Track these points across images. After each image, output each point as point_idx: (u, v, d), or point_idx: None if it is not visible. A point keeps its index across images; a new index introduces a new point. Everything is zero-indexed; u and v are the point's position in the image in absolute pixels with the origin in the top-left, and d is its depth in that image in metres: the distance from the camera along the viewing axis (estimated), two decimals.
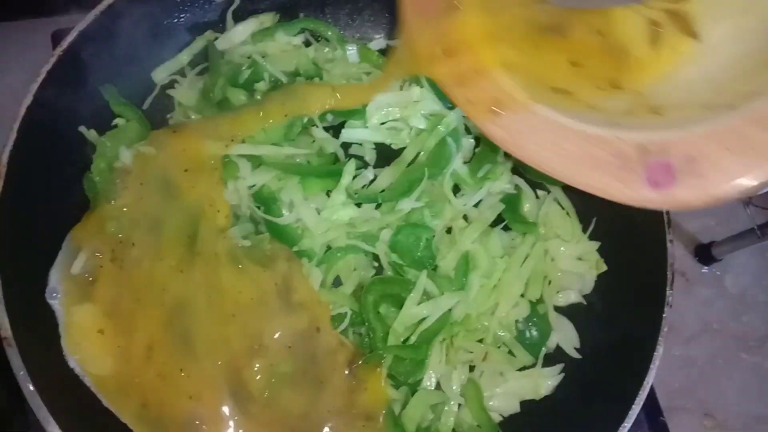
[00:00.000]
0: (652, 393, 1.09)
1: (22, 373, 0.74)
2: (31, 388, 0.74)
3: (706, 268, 1.24)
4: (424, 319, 0.94)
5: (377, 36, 1.17)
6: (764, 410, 1.16)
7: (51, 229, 0.89)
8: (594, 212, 1.05)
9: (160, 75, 1.05)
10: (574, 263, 1.04)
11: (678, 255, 1.16)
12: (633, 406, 0.87)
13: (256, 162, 0.99)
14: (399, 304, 0.95)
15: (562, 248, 1.04)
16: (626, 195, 0.73)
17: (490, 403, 0.96)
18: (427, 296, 0.96)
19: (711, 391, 1.16)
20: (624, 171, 0.72)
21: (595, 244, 1.04)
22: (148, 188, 0.94)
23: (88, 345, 0.85)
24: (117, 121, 0.98)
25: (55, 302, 0.86)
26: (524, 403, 0.96)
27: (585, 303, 1.02)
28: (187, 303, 0.89)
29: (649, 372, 0.88)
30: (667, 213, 0.97)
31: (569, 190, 1.08)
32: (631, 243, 1.00)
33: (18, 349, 0.75)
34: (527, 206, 1.07)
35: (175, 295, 0.90)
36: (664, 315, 0.92)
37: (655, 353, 0.89)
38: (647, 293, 0.94)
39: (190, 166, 0.96)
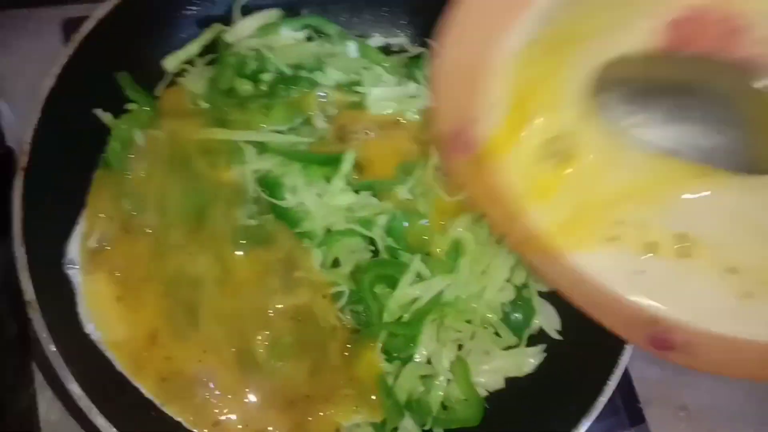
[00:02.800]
0: (628, 381, 1.15)
1: (45, 335, 0.79)
2: (53, 348, 0.79)
3: None
4: (417, 299, 1.01)
5: (375, 34, 1.23)
6: (737, 403, 1.21)
7: (70, 203, 0.94)
8: None
9: (171, 63, 1.10)
10: None
11: None
12: (608, 383, 0.93)
13: (261, 148, 1.04)
14: (393, 284, 1.01)
15: None
16: (626, 337, 0.88)
17: (477, 379, 1.02)
18: (420, 278, 1.02)
19: (686, 385, 1.20)
20: (630, 326, 0.86)
21: None
22: (158, 168, 1.00)
23: (103, 312, 0.91)
24: (130, 105, 1.03)
25: (73, 272, 0.91)
26: (508, 380, 1.03)
27: None
28: (194, 276, 0.95)
29: (624, 351, 0.95)
30: None
31: None
32: None
33: (41, 313, 0.80)
34: None
35: (183, 268, 0.95)
36: None
37: None
38: None
39: (199, 149, 1.01)
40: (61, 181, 0.93)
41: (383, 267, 1.03)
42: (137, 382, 0.89)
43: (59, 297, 0.88)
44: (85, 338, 0.89)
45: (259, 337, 0.93)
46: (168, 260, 0.95)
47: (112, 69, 1.02)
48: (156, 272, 0.94)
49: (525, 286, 1.08)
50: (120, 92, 1.03)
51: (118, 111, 1.02)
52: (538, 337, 1.06)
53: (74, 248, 0.93)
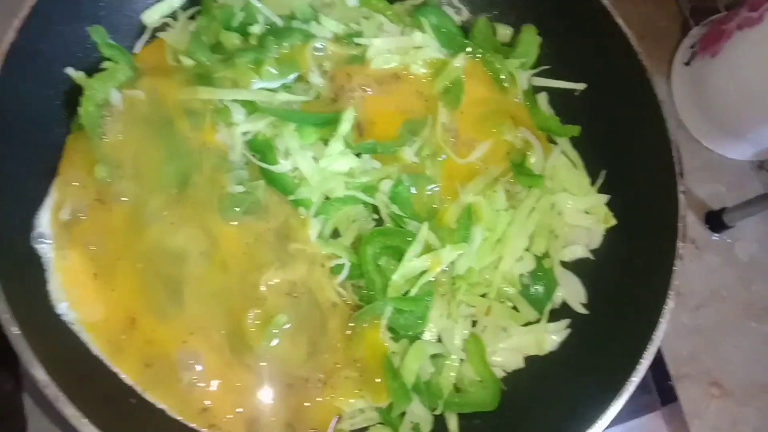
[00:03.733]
0: (659, 358, 1.05)
1: (7, 316, 0.71)
2: (16, 331, 0.71)
3: (717, 235, 1.19)
4: (425, 271, 0.91)
5: None
6: None
7: (39, 172, 0.85)
8: (603, 165, 1.02)
9: (151, 17, 1.00)
10: (581, 217, 1.00)
11: (688, 222, 1.12)
12: (641, 361, 0.84)
13: (251, 108, 0.95)
14: (399, 256, 0.91)
15: (569, 202, 1.00)
16: None
17: (493, 358, 0.93)
18: (428, 248, 0.92)
19: (718, 359, 1.12)
20: None
21: (604, 197, 1.00)
22: (136, 131, 0.91)
23: (78, 291, 0.83)
24: (106, 64, 0.94)
25: (43, 247, 0.82)
26: (528, 359, 0.93)
27: (593, 258, 0.99)
28: (177, 249, 0.86)
29: (658, 325, 0.86)
30: (679, 163, 0.94)
31: (577, 143, 1.04)
32: (641, 195, 0.97)
33: (3, 292, 0.71)
34: (533, 159, 1.02)
35: (164, 240, 0.86)
36: (674, 268, 0.88)
37: (665, 307, 0.86)
38: (658, 246, 0.91)
39: (181, 110, 0.92)
40: (29, 148, 0.84)
41: (388, 237, 0.93)
42: (115, 367, 0.81)
43: (27, 274, 0.80)
44: (56, 319, 0.80)
45: (251, 315, 0.84)
46: (148, 232, 0.86)
47: (85, 23, 0.92)
48: (135, 246, 0.85)
49: (546, 255, 0.98)
50: (93, 51, 0.93)
51: (92, 70, 0.93)
52: (560, 312, 0.96)
53: (44, 221, 0.84)
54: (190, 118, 0.92)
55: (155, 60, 0.98)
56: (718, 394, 1.10)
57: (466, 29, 1.10)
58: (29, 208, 0.84)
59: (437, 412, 0.88)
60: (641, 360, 0.84)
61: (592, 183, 1.02)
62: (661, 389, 1.05)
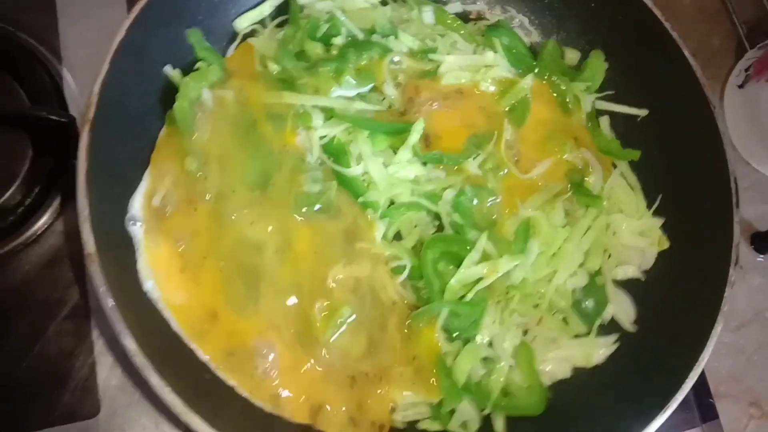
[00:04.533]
0: (701, 375, 1.06)
1: (102, 288, 0.78)
2: (111, 303, 0.78)
3: (762, 256, 1.21)
4: (481, 279, 0.96)
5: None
6: None
7: (135, 159, 0.93)
8: (660, 189, 1.05)
9: (242, 24, 1.07)
10: (635, 238, 1.04)
11: None
12: (686, 381, 0.87)
13: (329, 114, 1.01)
14: (458, 262, 0.96)
15: (624, 224, 1.04)
16: None
17: (542, 367, 0.97)
18: (485, 257, 0.97)
19: (759, 380, 1.13)
20: None
21: (659, 221, 1.03)
22: (223, 130, 0.97)
23: (164, 274, 0.89)
24: (199, 64, 1.01)
25: (135, 228, 0.90)
26: (575, 370, 0.97)
27: (644, 278, 1.02)
28: (255, 243, 0.93)
29: (706, 348, 0.89)
30: (736, 193, 0.96)
31: (636, 167, 1.08)
32: (697, 221, 1.00)
33: (101, 266, 0.79)
34: (592, 179, 1.06)
35: (244, 236, 0.93)
36: (725, 295, 0.91)
37: (712, 330, 0.89)
38: (710, 272, 0.94)
39: (265, 113, 0.99)
40: (127, 137, 0.92)
41: (448, 243, 0.98)
42: (194, 345, 0.87)
43: (120, 253, 0.87)
44: (143, 296, 0.87)
45: (318, 306, 0.90)
46: (229, 230, 0.91)
47: (184, 26, 1.00)
48: (218, 244, 0.91)
49: (599, 272, 1.01)
50: (189, 52, 1.01)
51: (187, 70, 1.00)
52: (608, 327, 1.00)
53: (137, 205, 0.92)
54: (273, 121, 0.98)
55: (243, 64, 1.04)
56: (758, 415, 1.12)
57: (534, 51, 1.15)
58: (125, 193, 0.92)
59: (486, 412, 0.92)
60: (686, 380, 0.87)
61: (648, 206, 1.05)
62: (701, 406, 1.06)
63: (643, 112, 1.09)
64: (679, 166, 1.04)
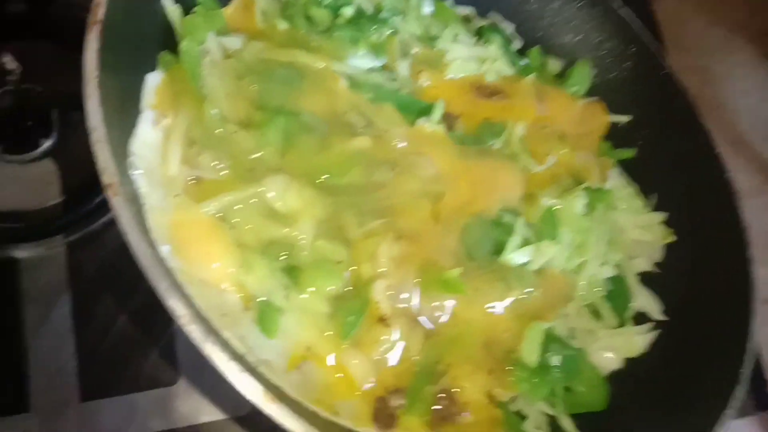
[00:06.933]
0: (758, 364, 1.05)
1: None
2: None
3: None
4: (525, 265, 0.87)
5: None
6: None
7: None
8: (654, 188, 1.06)
9: None
10: (640, 232, 1.03)
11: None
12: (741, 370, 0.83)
13: (351, 82, 0.89)
14: (499, 248, 0.88)
15: (627, 219, 1.03)
16: None
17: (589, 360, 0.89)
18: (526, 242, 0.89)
19: None
20: None
21: (660, 216, 1.04)
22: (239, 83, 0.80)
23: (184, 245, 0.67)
24: (197, 9, 0.84)
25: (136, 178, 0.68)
26: (630, 363, 0.91)
27: (659, 271, 1.01)
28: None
29: (749, 330, 0.87)
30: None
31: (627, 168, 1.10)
32: (698, 211, 1.02)
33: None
34: (592, 179, 1.05)
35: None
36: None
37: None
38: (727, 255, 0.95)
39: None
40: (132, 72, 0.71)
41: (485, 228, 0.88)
42: None
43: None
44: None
45: None
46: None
47: None
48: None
49: (618, 265, 0.98)
50: None
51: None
52: (640, 319, 0.95)
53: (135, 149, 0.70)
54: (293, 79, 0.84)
55: (244, 18, 0.90)
56: None
57: None
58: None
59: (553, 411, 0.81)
60: (740, 370, 0.82)
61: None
62: (758, 394, 1.04)
63: (624, 119, 1.12)
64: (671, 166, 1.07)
